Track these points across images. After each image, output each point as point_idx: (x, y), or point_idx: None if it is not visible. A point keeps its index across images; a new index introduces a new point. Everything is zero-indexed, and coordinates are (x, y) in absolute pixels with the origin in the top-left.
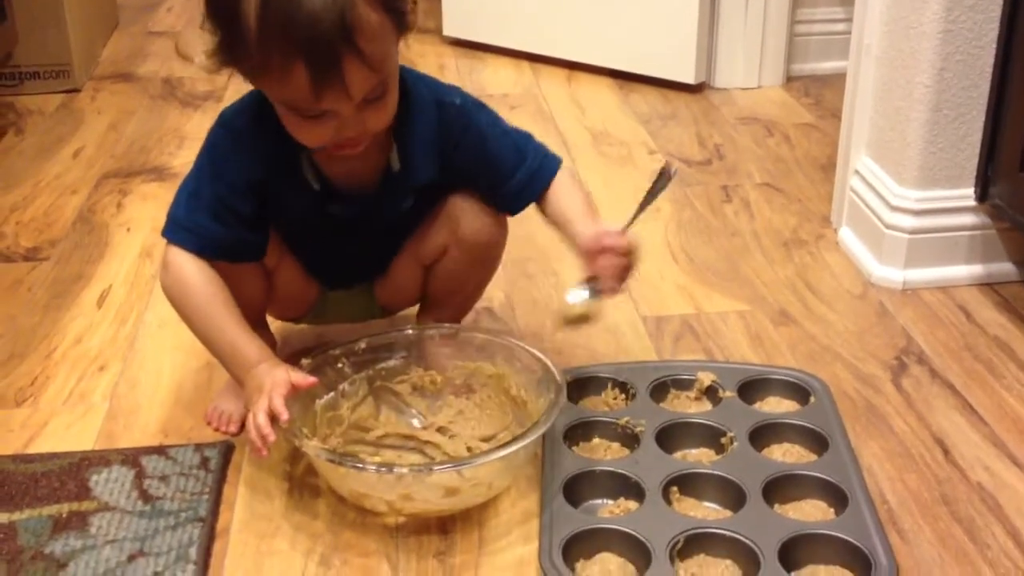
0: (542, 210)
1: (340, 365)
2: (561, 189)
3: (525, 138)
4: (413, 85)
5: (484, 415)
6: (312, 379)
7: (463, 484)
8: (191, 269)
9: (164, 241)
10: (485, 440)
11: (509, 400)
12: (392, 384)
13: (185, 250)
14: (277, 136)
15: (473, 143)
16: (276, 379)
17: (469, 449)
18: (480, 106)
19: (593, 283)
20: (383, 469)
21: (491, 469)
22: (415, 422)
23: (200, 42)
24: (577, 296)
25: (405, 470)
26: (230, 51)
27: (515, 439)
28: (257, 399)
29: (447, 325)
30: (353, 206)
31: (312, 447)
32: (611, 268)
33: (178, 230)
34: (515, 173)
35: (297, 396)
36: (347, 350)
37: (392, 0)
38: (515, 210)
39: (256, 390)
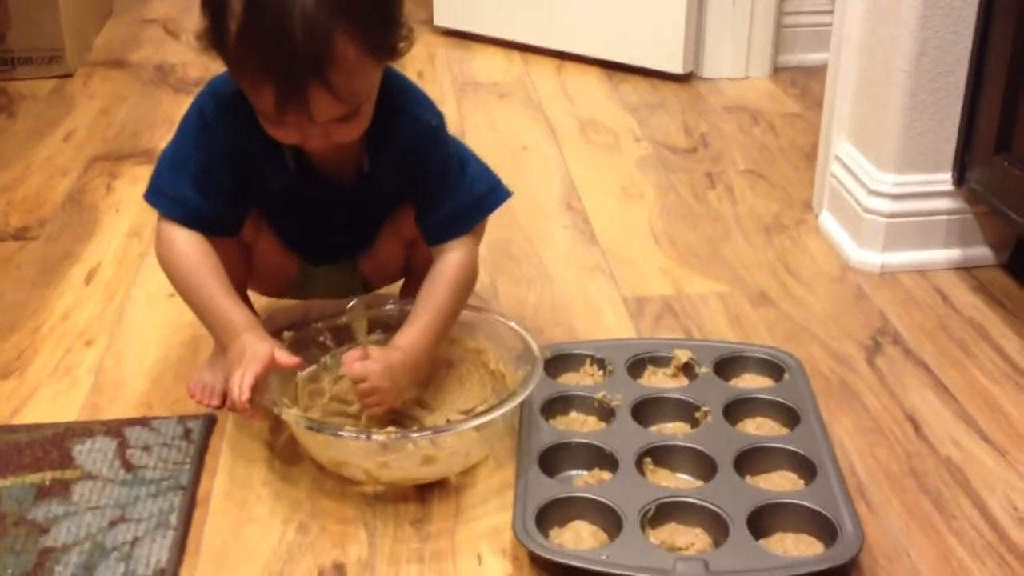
0: (411, 272)
1: (322, 339)
2: (447, 266)
3: (468, 184)
4: (397, 96)
5: (464, 388)
6: (295, 359)
7: (439, 453)
8: (180, 235)
9: (153, 222)
10: (465, 413)
11: (488, 373)
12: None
13: (168, 218)
14: None
15: (433, 163)
16: (257, 352)
17: (448, 421)
18: (455, 140)
19: None
20: (361, 436)
21: (467, 438)
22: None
23: (190, 21)
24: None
25: (382, 436)
26: (214, 42)
27: (490, 409)
28: (235, 370)
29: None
30: (328, 193)
31: (292, 415)
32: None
33: (161, 197)
34: (435, 209)
35: (278, 369)
36: (329, 324)
37: (379, 37)
38: (428, 241)
39: (237, 359)
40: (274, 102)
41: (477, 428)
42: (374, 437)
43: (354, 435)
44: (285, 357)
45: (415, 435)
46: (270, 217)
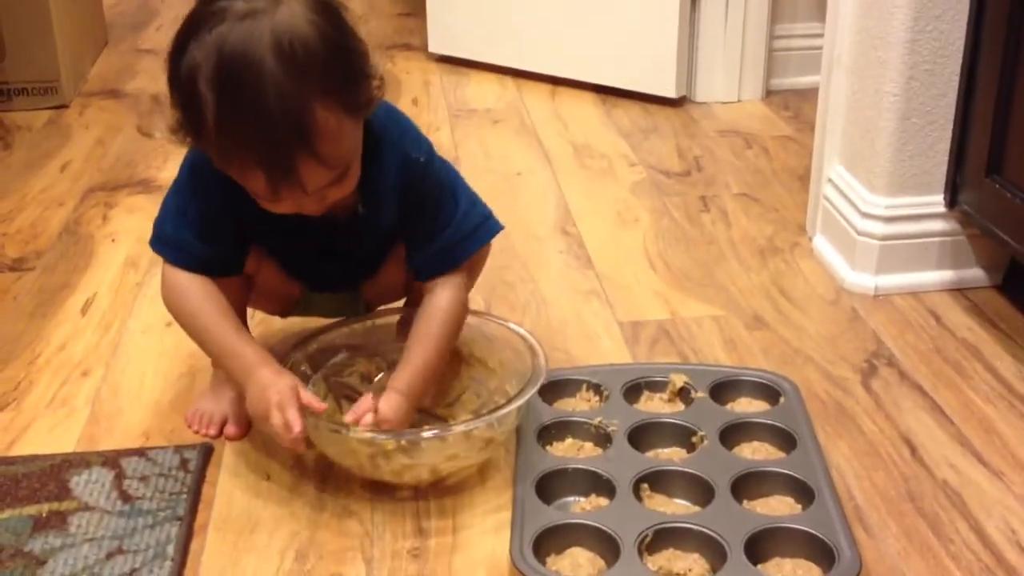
0: (412, 291)
1: (303, 368)
2: (437, 307)
3: (460, 217)
4: (382, 136)
5: (437, 385)
6: (322, 405)
7: (497, 434)
8: (186, 282)
9: (150, 252)
10: (449, 405)
11: (463, 363)
12: (343, 378)
13: (173, 265)
14: None
15: (425, 200)
16: (283, 389)
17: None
18: (444, 164)
19: None
20: (442, 431)
21: (513, 415)
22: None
23: (161, 118)
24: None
25: (461, 427)
26: (191, 134)
27: (528, 383)
28: (270, 409)
29: (381, 309)
30: (325, 237)
31: (360, 432)
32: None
33: (165, 246)
34: (428, 243)
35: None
36: (304, 354)
37: (354, 97)
38: (418, 278)
39: (259, 397)
40: (265, 183)
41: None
42: (454, 428)
43: (432, 434)
44: (312, 400)
45: (484, 417)
46: (271, 252)
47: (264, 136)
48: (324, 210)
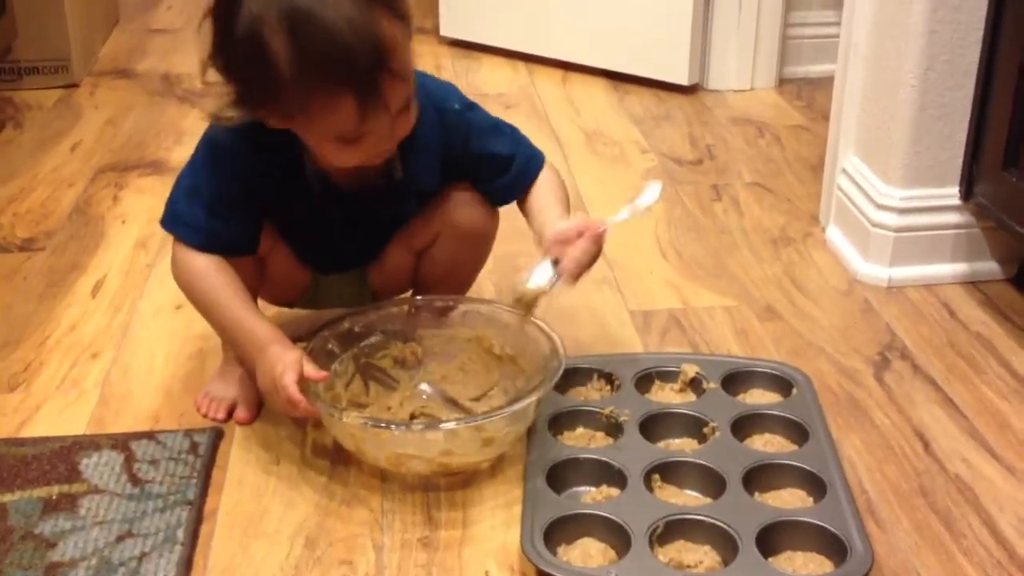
0: (521, 200)
1: (330, 346)
2: (544, 186)
3: (513, 133)
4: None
5: (468, 377)
6: (324, 373)
7: (498, 433)
8: (199, 261)
9: (160, 233)
10: (475, 400)
11: (494, 359)
12: (375, 360)
13: (186, 245)
14: (281, 137)
15: (473, 147)
16: (287, 361)
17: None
18: (472, 105)
19: (555, 267)
20: (432, 426)
21: (520, 414)
22: (423, 386)
23: (208, 102)
24: (543, 276)
25: (452, 424)
26: (257, 100)
27: (542, 382)
28: (275, 383)
29: (420, 298)
30: (354, 208)
31: (353, 417)
32: (582, 255)
33: (178, 224)
34: (507, 169)
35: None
36: (334, 331)
37: (402, 7)
38: (503, 203)
39: (267, 371)
40: (355, 110)
41: (538, 402)
42: (443, 426)
43: (422, 427)
44: (314, 371)
45: (481, 418)
46: (285, 233)
47: (347, 61)
48: (383, 156)
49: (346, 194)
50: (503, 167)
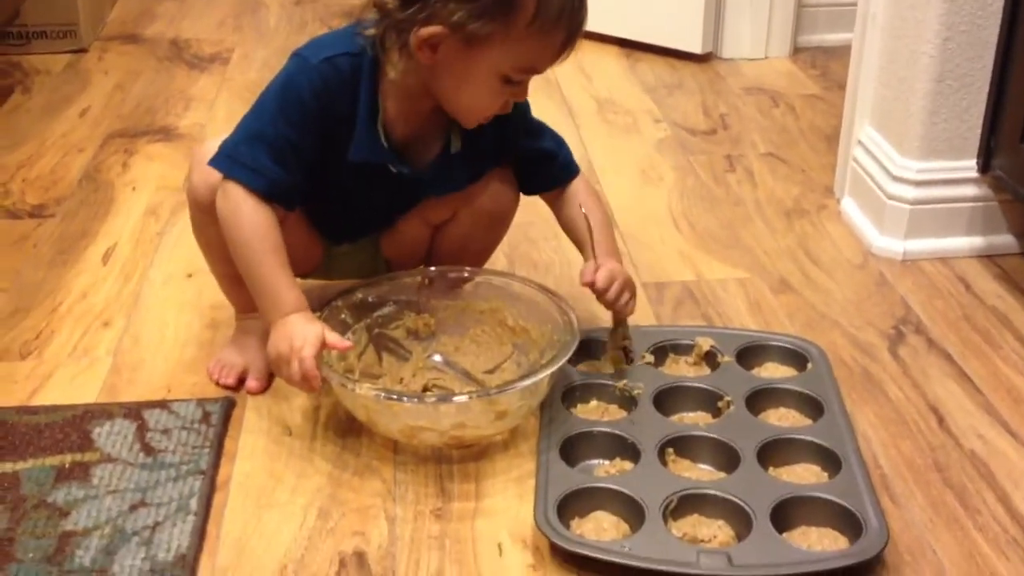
0: (560, 206)
1: (343, 316)
2: (581, 195)
3: (555, 135)
4: None
5: (481, 349)
6: (347, 342)
7: (511, 406)
8: (250, 204)
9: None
10: (489, 372)
11: (507, 331)
12: (388, 330)
13: (247, 188)
14: (369, 86)
15: (524, 141)
16: (308, 334)
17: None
18: (527, 103)
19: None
20: (444, 398)
21: (534, 388)
22: (436, 357)
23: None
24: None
25: (464, 397)
26: (500, 17)
27: (556, 355)
28: (292, 351)
29: (433, 269)
30: (414, 170)
31: (367, 388)
32: (616, 299)
33: (237, 164)
34: (549, 163)
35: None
36: (347, 301)
37: None
38: (533, 193)
39: (285, 337)
40: (556, 52)
41: (551, 376)
42: (455, 399)
43: (435, 400)
44: (338, 340)
45: (494, 391)
46: (311, 195)
47: (578, 8)
48: (506, 110)
49: (404, 157)
50: (547, 160)
